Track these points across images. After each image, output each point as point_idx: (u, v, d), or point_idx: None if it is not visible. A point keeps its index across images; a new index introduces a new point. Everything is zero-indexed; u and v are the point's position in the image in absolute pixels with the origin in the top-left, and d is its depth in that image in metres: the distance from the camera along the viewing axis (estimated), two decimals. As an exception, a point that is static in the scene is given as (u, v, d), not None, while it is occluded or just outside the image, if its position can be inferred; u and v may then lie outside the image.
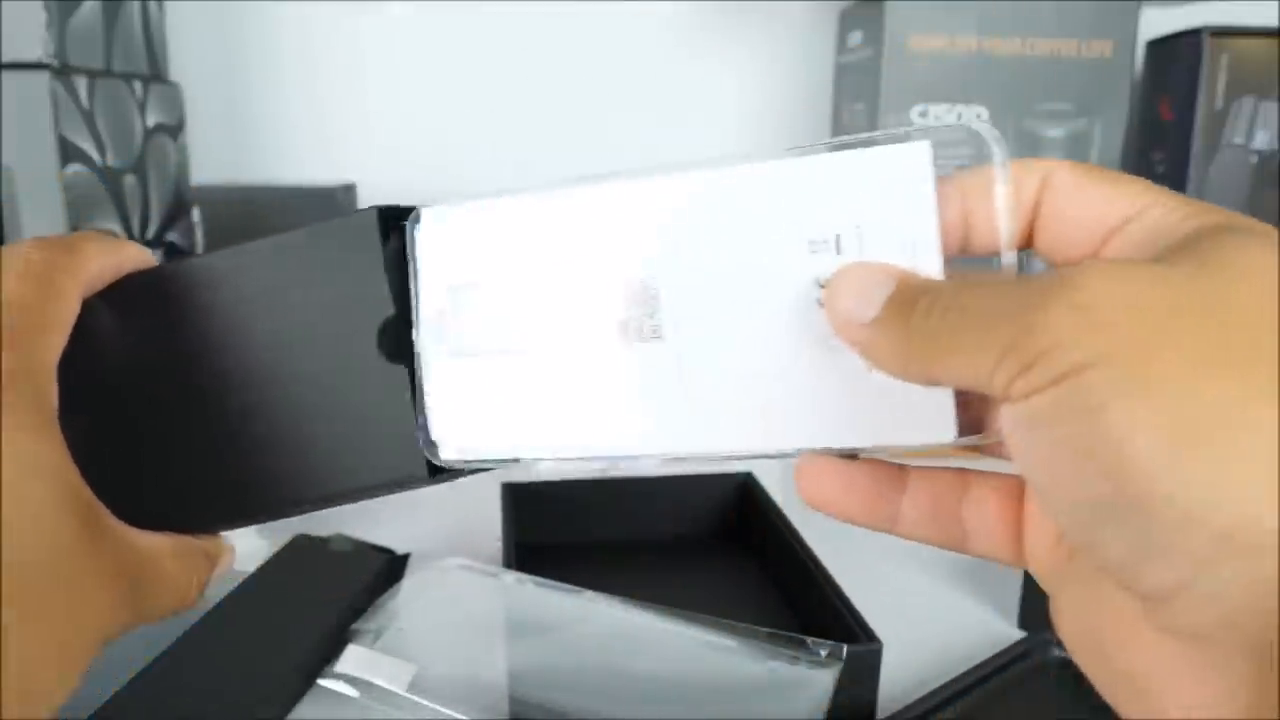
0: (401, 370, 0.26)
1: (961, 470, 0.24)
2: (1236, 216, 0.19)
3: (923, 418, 0.22)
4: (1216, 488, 0.15)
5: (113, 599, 0.25)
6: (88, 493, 0.25)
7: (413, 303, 0.26)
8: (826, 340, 0.23)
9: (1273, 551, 0.15)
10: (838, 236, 0.23)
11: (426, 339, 0.26)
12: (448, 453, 0.26)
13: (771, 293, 0.23)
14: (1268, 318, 0.16)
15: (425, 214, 0.26)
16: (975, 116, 0.66)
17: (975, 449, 0.23)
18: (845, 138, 0.23)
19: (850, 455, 0.24)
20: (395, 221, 0.27)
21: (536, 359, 0.25)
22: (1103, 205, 0.20)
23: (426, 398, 0.26)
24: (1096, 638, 0.19)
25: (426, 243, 0.26)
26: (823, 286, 0.23)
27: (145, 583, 0.26)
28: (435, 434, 0.26)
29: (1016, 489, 0.23)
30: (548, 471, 0.25)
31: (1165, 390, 0.16)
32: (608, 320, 0.25)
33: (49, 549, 0.23)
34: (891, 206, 0.22)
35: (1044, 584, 0.22)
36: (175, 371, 0.29)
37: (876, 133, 0.23)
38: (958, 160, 0.67)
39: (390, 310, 0.26)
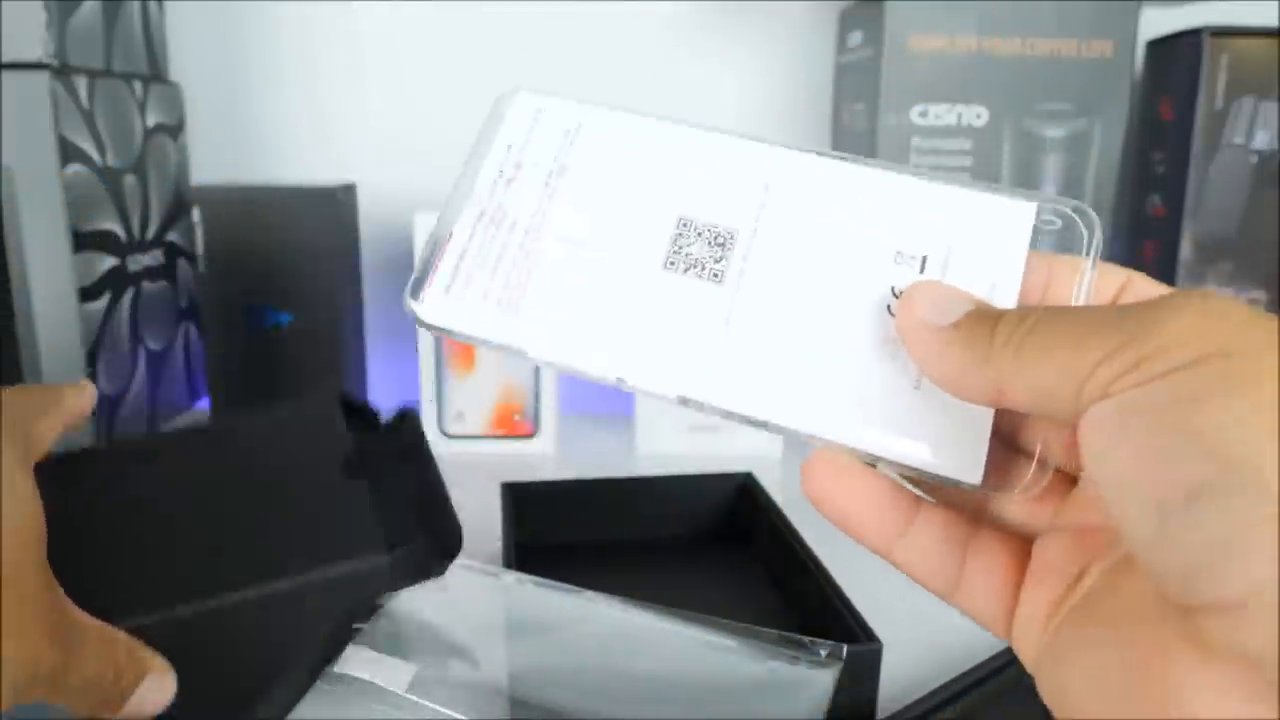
0: (362, 483, 0.27)
1: (975, 515, 0.24)
2: None
3: (955, 452, 0.22)
4: None
5: (44, 638, 0.27)
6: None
7: (474, 161, 0.26)
8: (883, 345, 0.23)
9: None
10: (925, 257, 0.24)
11: (477, 195, 0.26)
12: (435, 315, 0.24)
13: (844, 283, 0.24)
14: None
15: (524, 96, 0.27)
16: (975, 116, 0.66)
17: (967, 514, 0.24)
18: (961, 180, 0.24)
19: (869, 464, 0.23)
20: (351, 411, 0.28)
21: (572, 254, 0.25)
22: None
23: (443, 254, 0.25)
24: (1116, 685, 0.19)
25: (517, 113, 0.27)
26: (897, 296, 0.23)
27: (71, 644, 0.28)
28: (431, 290, 0.24)
29: (1023, 551, 0.23)
30: (544, 366, 0.25)
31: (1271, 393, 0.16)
32: (661, 244, 0.25)
33: (13, 565, 0.26)
34: (984, 249, 0.23)
35: (1026, 654, 0.22)
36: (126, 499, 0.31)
37: (991, 184, 0.24)
38: (958, 159, 0.67)
39: (350, 446, 0.27)
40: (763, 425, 0.24)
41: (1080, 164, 0.67)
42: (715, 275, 0.24)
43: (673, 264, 0.24)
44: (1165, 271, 0.70)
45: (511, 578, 0.43)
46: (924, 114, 0.66)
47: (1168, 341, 0.17)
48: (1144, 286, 0.23)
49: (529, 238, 0.25)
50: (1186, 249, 0.68)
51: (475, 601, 0.43)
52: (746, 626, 0.38)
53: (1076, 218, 0.23)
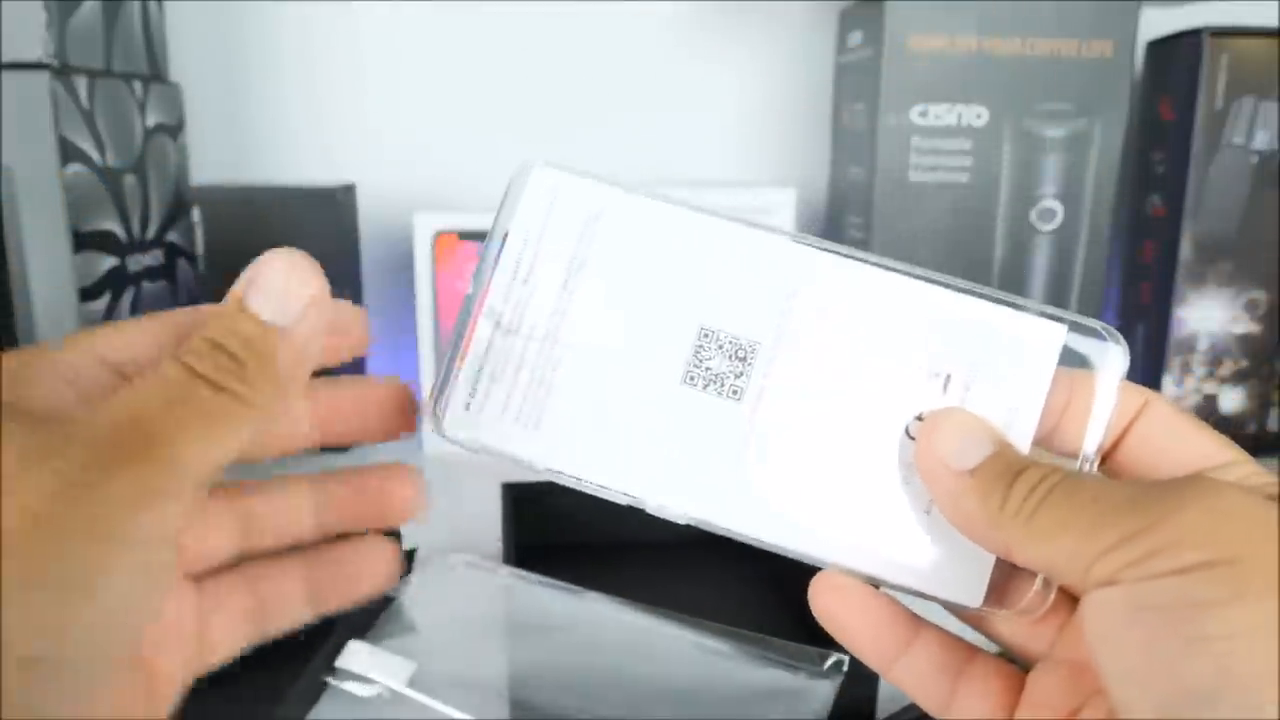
0: None
1: (970, 645, 0.24)
2: None
3: (958, 575, 0.23)
4: None
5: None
6: None
7: (491, 251, 0.24)
8: (899, 468, 0.23)
9: None
10: (949, 375, 0.23)
11: (494, 297, 0.24)
12: (457, 431, 0.24)
13: (865, 401, 0.23)
14: None
15: (540, 172, 0.25)
16: (975, 116, 0.66)
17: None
18: (989, 290, 0.24)
19: (872, 582, 0.24)
20: None
21: (591, 366, 0.24)
22: (1193, 447, 0.22)
23: (461, 364, 0.24)
24: None
25: (534, 194, 0.24)
26: (919, 419, 0.23)
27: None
28: (452, 406, 0.24)
29: (1017, 682, 0.23)
30: (567, 484, 0.24)
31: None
32: (681, 357, 0.24)
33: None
34: (1009, 370, 0.23)
35: None
36: None
37: (1019, 298, 0.24)
38: (958, 159, 0.67)
39: None
40: (769, 547, 0.24)
41: (1080, 164, 0.67)
42: (735, 392, 0.24)
43: (692, 379, 0.24)
44: (1165, 271, 0.70)
45: (516, 576, 0.43)
46: (924, 114, 0.66)
47: (1178, 539, 0.18)
48: (1161, 413, 0.23)
49: (546, 345, 0.24)
50: (1186, 249, 0.68)
51: (476, 600, 0.43)
52: (749, 633, 0.38)
53: (1106, 338, 0.23)
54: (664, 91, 0.81)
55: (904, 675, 0.24)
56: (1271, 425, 0.71)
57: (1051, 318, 0.23)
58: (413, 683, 0.38)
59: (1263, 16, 0.72)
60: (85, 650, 0.17)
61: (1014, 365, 0.23)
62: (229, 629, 0.24)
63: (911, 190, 0.67)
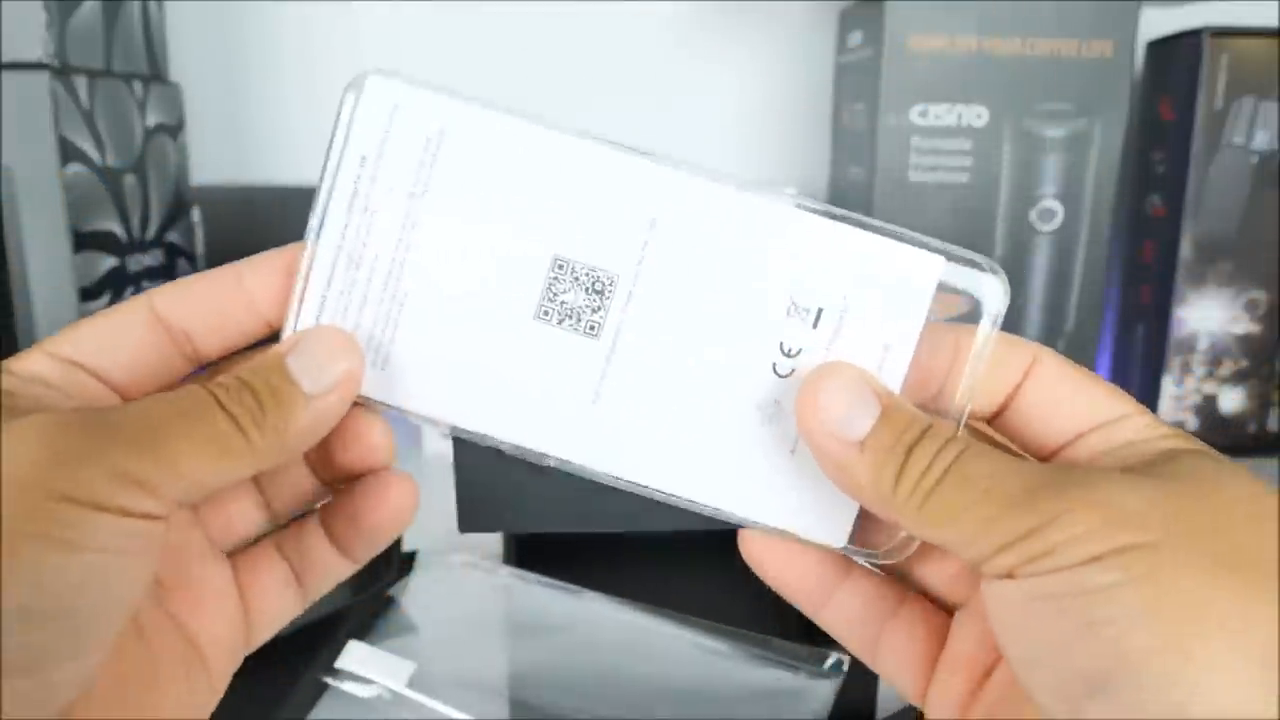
0: None
1: (902, 586, 0.24)
2: (1201, 444, 0.21)
3: (823, 516, 0.22)
4: (1213, 678, 0.17)
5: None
6: None
7: (329, 176, 0.23)
8: (764, 407, 0.22)
9: None
10: (820, 310, 0.22)
11: (331, 225, 0.23)
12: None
13: (729, 336, 0.22)
14: (1258, 530, 0.18)
15: (375, 82, 0.23)
16: (975, 116, 0.66)
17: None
18: (867, 220, 0.22)
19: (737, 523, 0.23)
20: None
21: (438, 300, 0.22)
22: (1085, 403, 0.22)
23: (303, 299, 0.23)
24: None
25: (369, 108, 0.23)
26: (788, 355, 0.22)
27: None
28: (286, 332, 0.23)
29: (942, 629, 0.23)
30: (419, 423, 0.23)
31: (1174, 585, 0.17)
32: (534, 290, 0.22)
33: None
34: (884, 304, 0.22)
35: None
36: None
37: (894, 227, 0.22)
38: (958, 159, 0.67)
39: None
40: (636, 489, 0.23)
41: (1080, 164, 0.67)
42: (591, 328, 0.22)
43: (546, 314, 0.22)
44: (1165, 271, 0.70)
45: (512, 577, 0.43)
46: (924, 114, 0.66)
47: (1070, 537, 0.18)
48: (1051, 369, 0.22)
49: (391, 280, 0.23)
50: (1186, 249, 0.68)
51: (475, 600, 0.43)
52: (748, 633, 0.38)
53: (987, 274, 0.22)
54: (664, 91, 0.81)
55: (833, 619, 0.24)
56: (1271, 425, 0.71)
57: (933, 250, 0.22)
58: (413, 683, 0.38)
59: (1263, 16, 0.72)
60: (72, 602, 0.18)
61: (889, 299, 0.22)
62: (271, 599, 0.24)
63: (911, 190, 0.67)
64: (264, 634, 0.24)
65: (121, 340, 0.22)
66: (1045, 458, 0.22)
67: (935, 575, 0.24)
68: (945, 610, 0.24)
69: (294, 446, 0.21)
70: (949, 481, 0.20)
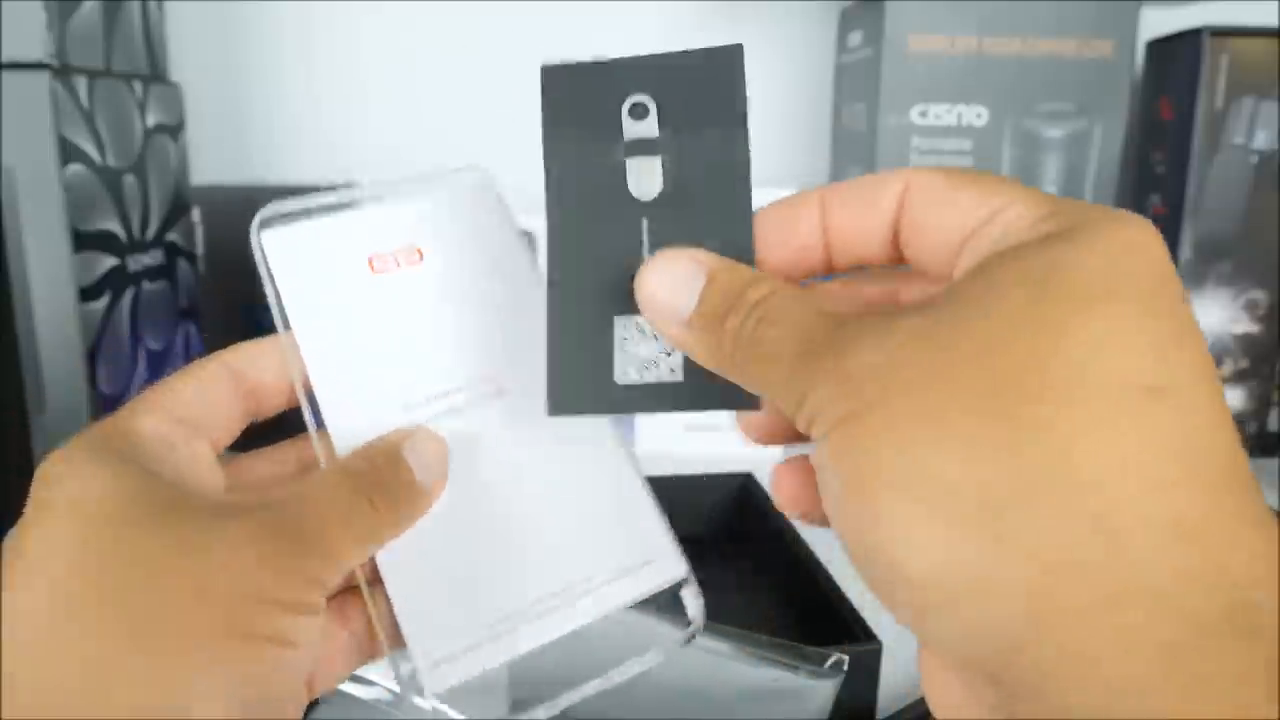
0: None
1: None
2: (1084, 220, 0.18)
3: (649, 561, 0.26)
4: (908, 540, 0.16)
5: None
6: None
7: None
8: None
9: (977, 598, 0.15)
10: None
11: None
12: None
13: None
14: (998, 364, 0.16)
15: (265, 235, 0.25)
16: (975, 116, 0.66)
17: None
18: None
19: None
20: None
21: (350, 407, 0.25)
22: (964, 208, 0.20)
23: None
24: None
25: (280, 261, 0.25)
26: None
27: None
28: None
29: None
30: None
31: (881, 448, 0.17)
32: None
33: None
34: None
35: None
36: None
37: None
38: (958, 159, 0.67)
39: None
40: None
41: (1080, 164, 0.67)
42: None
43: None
44: (1165, 271, 0.70)
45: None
46: (924, 114, 0.66)
47: (816, 408, 0.18)
48: (926, 187, 0.21)
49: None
50: (1186, 249, 0.68)
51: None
52: (748, 633, 0.38)
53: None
54: (664, 91, 0.81)
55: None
56: (1271, 425, 0.71)
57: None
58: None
59: (1263, 16, 0.72)
60: (279, 691, 0.20)
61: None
62: (339, 653, 0.25)
63: (911, 190, 0.67)
64: (333, 685, 0.25)
65: (210, 398, 0.23)
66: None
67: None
68: None
69: (406, 527, 0.23)
70: (749, 345, 0.20)
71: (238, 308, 0.68)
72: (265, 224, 0.24)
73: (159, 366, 0.74)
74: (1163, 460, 0.15)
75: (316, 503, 0.21)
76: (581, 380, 0.22)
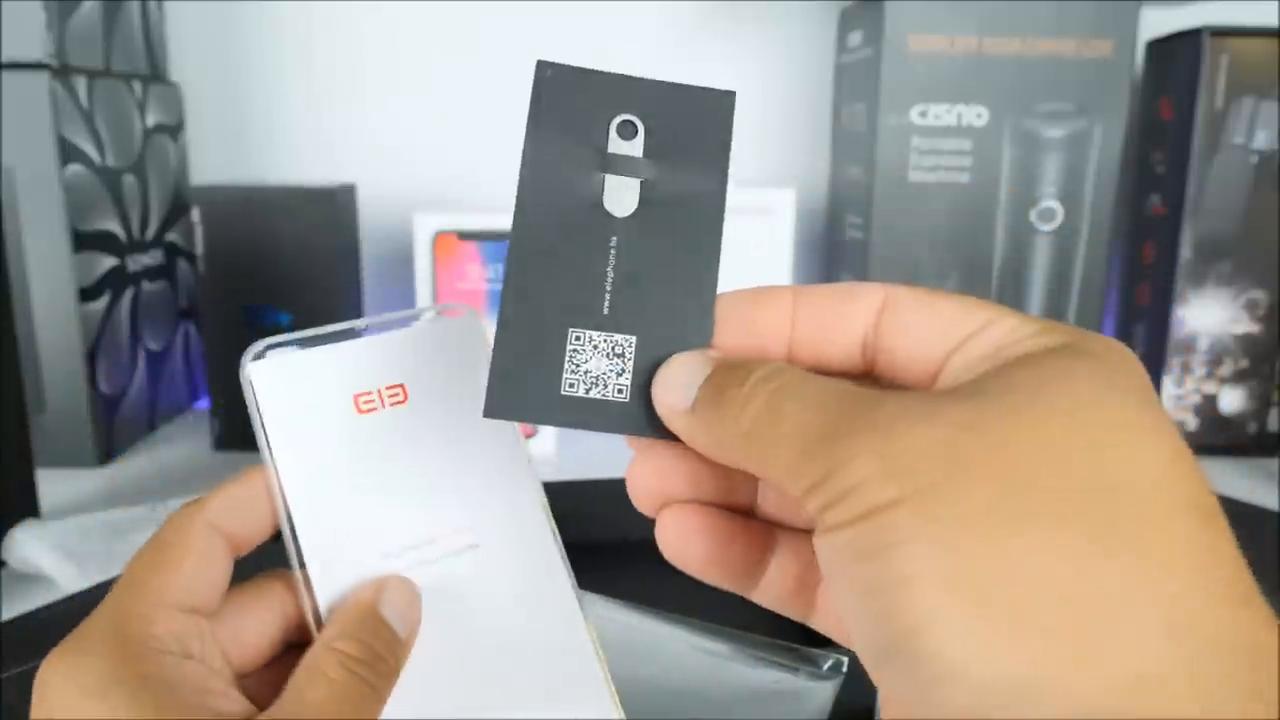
0: None
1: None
2: (1080, 337, 0.19)
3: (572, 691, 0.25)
4: (974, 640, 0.15)
5: None
6: None
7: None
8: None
9: (1046, 704, 0.15)
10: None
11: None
12: None
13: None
14: (1043, 459, 0.16)
15: (255, 366, 0.25)
16: (975, 116, 0.66)
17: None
18: None
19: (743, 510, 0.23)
20: None
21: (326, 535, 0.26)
22: (948, 319, 0.20)
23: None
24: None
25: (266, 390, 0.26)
26: None
27: None
28: None
29: None
30: None
31: (945, 539, 0.16)
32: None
33: None
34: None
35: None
36: None
37: None
38: (958, 159, 0.67)
39: None
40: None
41: (1080, 164, 0.67)
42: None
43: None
44: (1165, 271, 0.70)
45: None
46: (924, 114, 0.66)
47: (851, 486, 0.17)
48: (906, 303, 0.20)
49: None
50: (1186, 249, 0.68)
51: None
52: (748, 635, 0.38)
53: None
54: (664, 91, 0.81)
55: (767, 589, 0.23)
56: (1271, 425, 0.71)
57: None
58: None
59: (1263, 16, 0.72)
60: None
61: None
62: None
63: (911, 190, 0.67)
64: None
65: (211, 575, 0.24)
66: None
67: None
68: None
69: (394, 681, 0.24)
70: (763, 416, 0.19)
71: (238, 308, 0.68)
72: (256, 356, 0.25)
73: (159, 366, 0.74)
74: (1225, 580, 0.16)
75: (325, 708, 0.22)
76: (526, 386, 0.22)
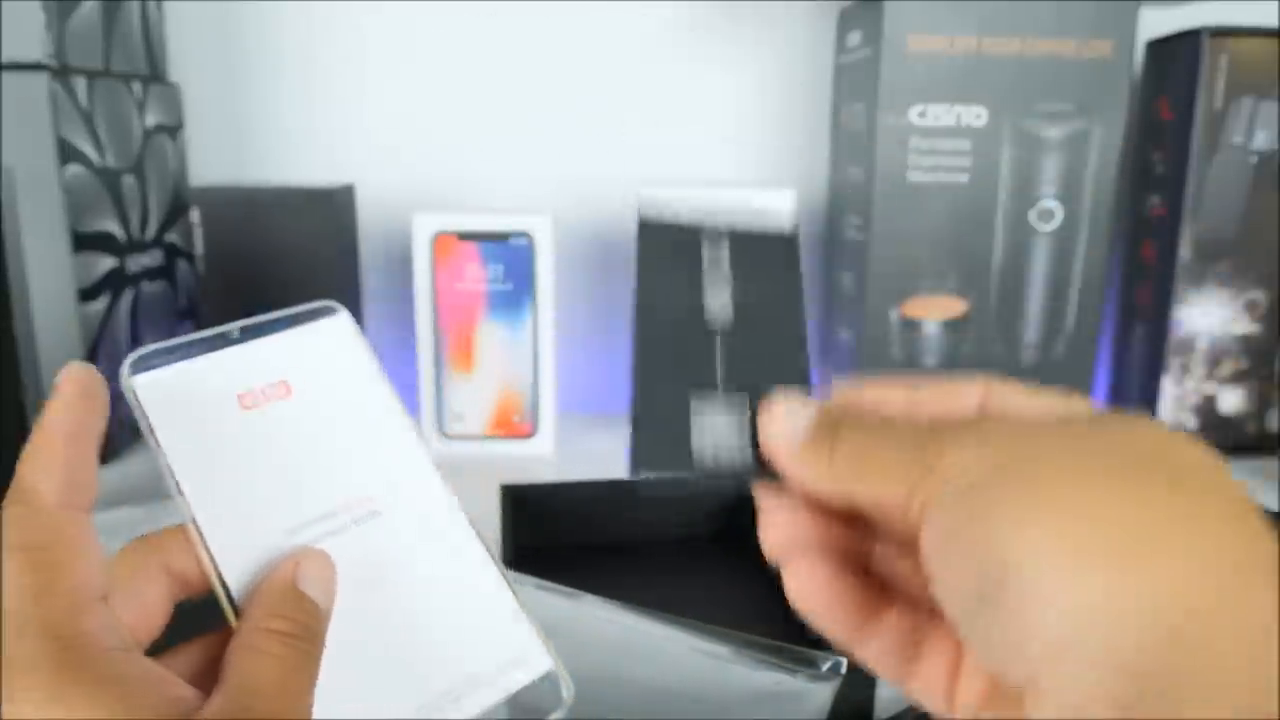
0: None
1: (933, 610, 0.24)
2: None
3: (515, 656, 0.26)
4: (1070, 575, 0.18)
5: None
6: None
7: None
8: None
9: (1113, 652, 0.17)
10: None
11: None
12: None
13: None
14: (1125, 449, 0.20)
15: (134, 380, 0.26)
16: (974, 116, 0.66)
17: None
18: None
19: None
20: None
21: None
22: (1038, 411, 0.23)
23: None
24: None
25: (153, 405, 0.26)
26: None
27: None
28: None
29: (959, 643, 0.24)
30: None
31: (1038, 496, 0.19)
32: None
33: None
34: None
35: None
36: None
37: None
38: (957, 159, 0.67)
39: None
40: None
41: (1080, 164, 0.67)
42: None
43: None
44: (1165, 271, 0.70)
45: (512, 577, 0.43)
46: (923, 114, 0.66)
47: (951, 471, 0.20)
48: (1002, 388, 0.24)
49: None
50: (1186, 249, 0.68)
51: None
52: (746, 636, 0.38)
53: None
54: (663, 92, 0.81)
55: (876, 652, 0.25)
56: (1271, 425, 0.71)
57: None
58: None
59: (1263, 16, 0.72)
60: None
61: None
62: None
63: (910, 190, 0.67)
64: None
65: (97, 552, 0.24)
66: None
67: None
68: None
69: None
70: (864, 439, 0.22)
71: (237, 308, 0.68)
72: (135, 369, 0.26)
73: (159, 367, 0.74)
74: (1270, 537, 0.19)
75: (265, 689, 0.23)
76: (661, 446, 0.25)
